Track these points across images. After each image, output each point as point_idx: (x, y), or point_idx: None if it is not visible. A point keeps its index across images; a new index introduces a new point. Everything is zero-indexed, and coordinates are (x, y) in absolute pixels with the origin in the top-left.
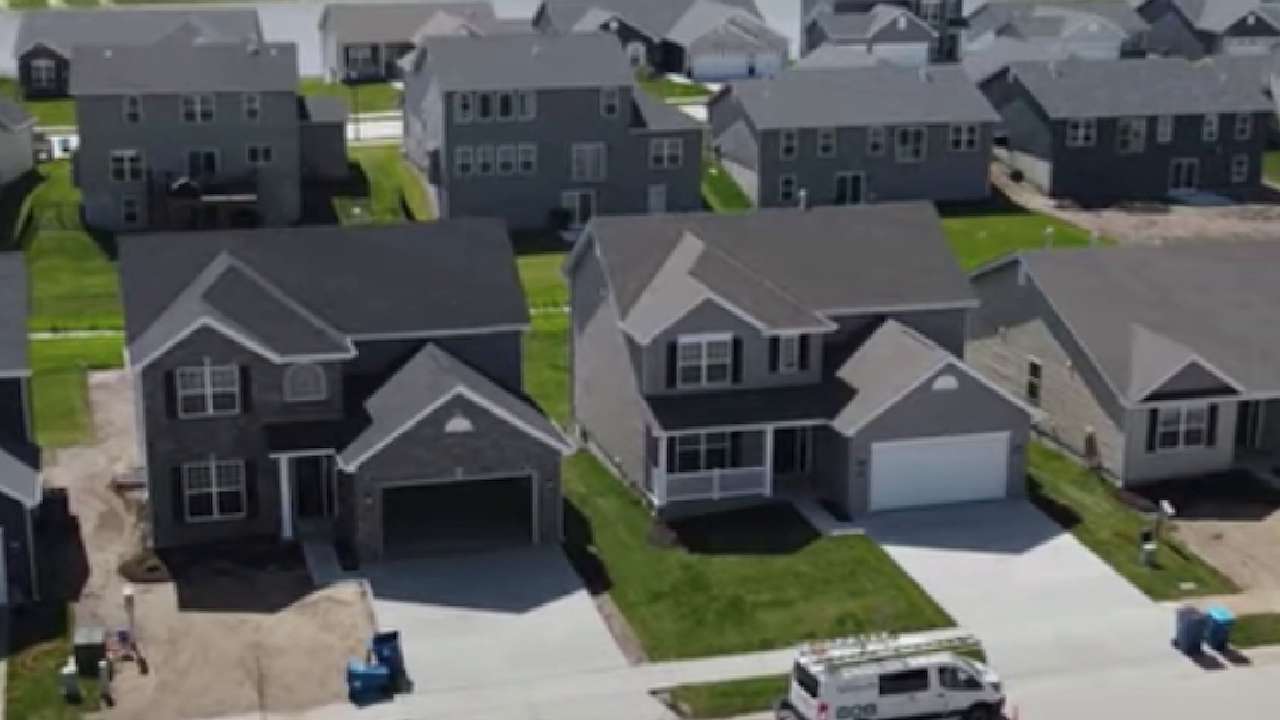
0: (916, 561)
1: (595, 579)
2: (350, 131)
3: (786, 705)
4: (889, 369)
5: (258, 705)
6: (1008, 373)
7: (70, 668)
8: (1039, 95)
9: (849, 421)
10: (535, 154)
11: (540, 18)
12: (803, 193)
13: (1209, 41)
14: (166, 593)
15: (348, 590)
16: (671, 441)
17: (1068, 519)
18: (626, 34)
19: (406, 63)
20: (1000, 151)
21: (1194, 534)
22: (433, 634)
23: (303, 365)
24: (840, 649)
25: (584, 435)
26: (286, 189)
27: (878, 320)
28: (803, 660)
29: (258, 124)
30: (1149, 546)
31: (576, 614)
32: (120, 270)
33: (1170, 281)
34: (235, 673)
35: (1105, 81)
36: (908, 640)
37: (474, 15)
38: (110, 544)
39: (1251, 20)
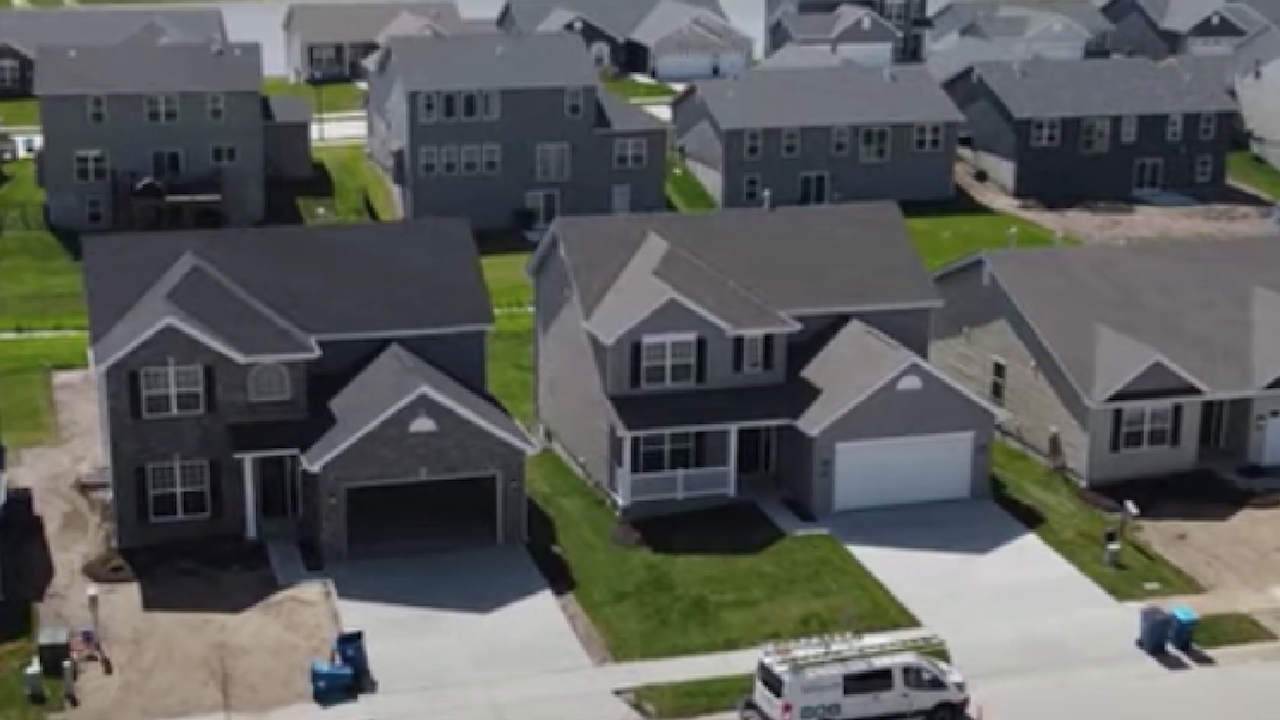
0: (881, 561)
1: (559, 579)
2: (314, 132)
3: (751, 705)
4: (853, 369)
5: (222, 705)
6: (972, 373)
7: (34, 667)
8: (1003, 95)
9: (813, 421)
10: (499, 154)
11: (504, 18)
12: (767, 193)
13: (1173, 41)
14: (131, 593)
15: (312, 590)
16: (635, 441)
17: (1032, 519)
18: (591, 34)
19: (371, 63)
20: (965, 151)
21: (1158, 534)
22: (397, 634)
23: (267, 365)
24: (804, 649)
25: (548, 435)
26: (251, 189)
27: (842, 320)
28: (767, 660)
29: (222, 124)
30: (1113, 546)
31: (541, 614)
32: (85, 270)
33: (1134, 281)
34: (199, 673)
35: (1069, 81)
36: (872, 640)
37: (438, 15)
38: (74, 544)
39: (1216, 20)
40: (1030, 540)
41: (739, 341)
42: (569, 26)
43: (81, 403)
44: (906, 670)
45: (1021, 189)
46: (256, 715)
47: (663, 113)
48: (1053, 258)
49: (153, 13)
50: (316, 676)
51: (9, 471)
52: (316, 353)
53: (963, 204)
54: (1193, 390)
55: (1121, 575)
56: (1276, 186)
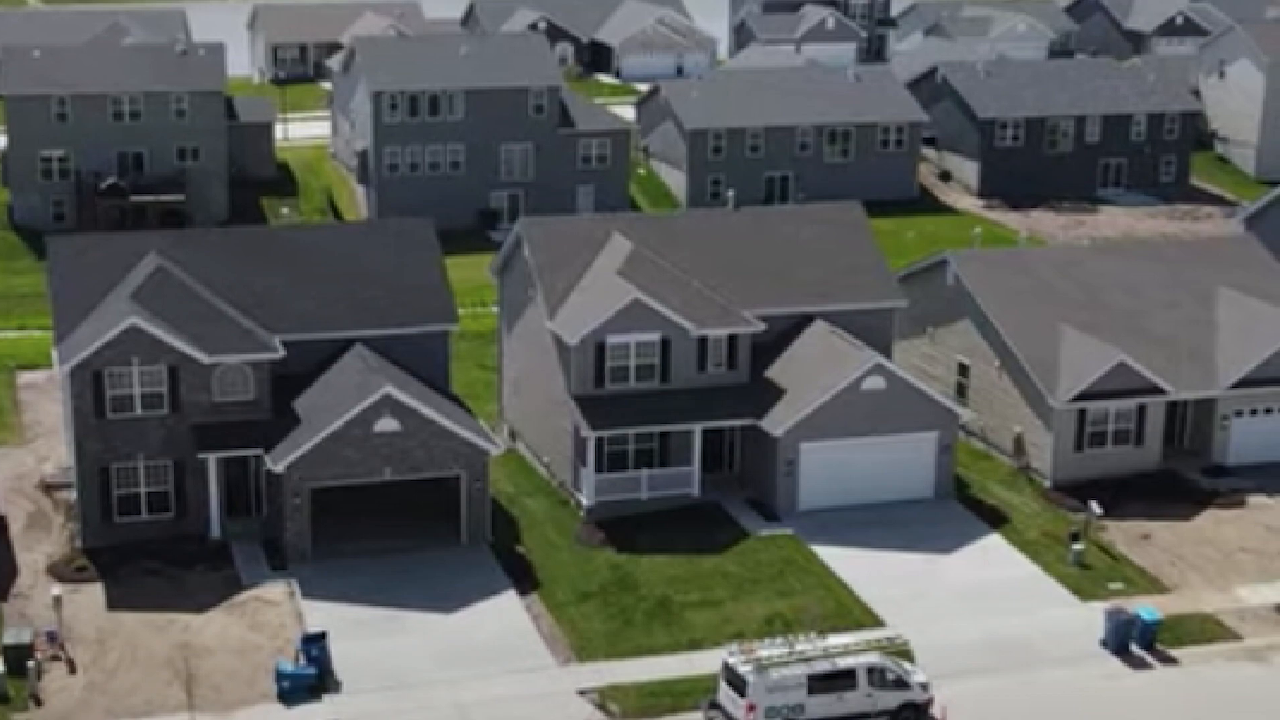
0: (845, 561)
1: (523, 579)
2: (278, 131)
3: (715, 705)
4: (817, 369)
5: (186, 705)
6: (936, 373)
7: None
8: (967, 95)
9: (777, 421)
10: (463, 154)
11: (468, 18)
12: (731, 193)
13: (1137, 41)
14: (95, 593)
15: (276, 590)
16: (600, 441)
17: (996, 519)
18: (555, 34)
19: (335, 63)
20: (929, 151)
21: (1122, 534)
22: (361, 634)
23: (231, 365)
24: (768, 649)
25: (512, 435)
26: (215, 189)
27: (806, 320)
28: (731, 660)
29: (186, 124)
30: (1077, 546)
31: (504, 614)
32: (48, 270)
33: (1098, 281)
34: (164, 673)
35: (1033, 81)
36: (836, 640)
37: (402, 15)
38: (38, 544)
39: (1180, 20)
40: (994, 540)
41: (703, 341)
42: (533, 26)
43: (46, 403)
44: (871, 670)
45: (986, 189)
46: (221, 715)
47: (627, 113)
48: (1017, 258)
49: (117, 13)
50: (281, 676)
51: None
52: (281, 353)
53: (927, 204)
54: (1157, 390)
55: (1086, 575)
56: (1240, 186)
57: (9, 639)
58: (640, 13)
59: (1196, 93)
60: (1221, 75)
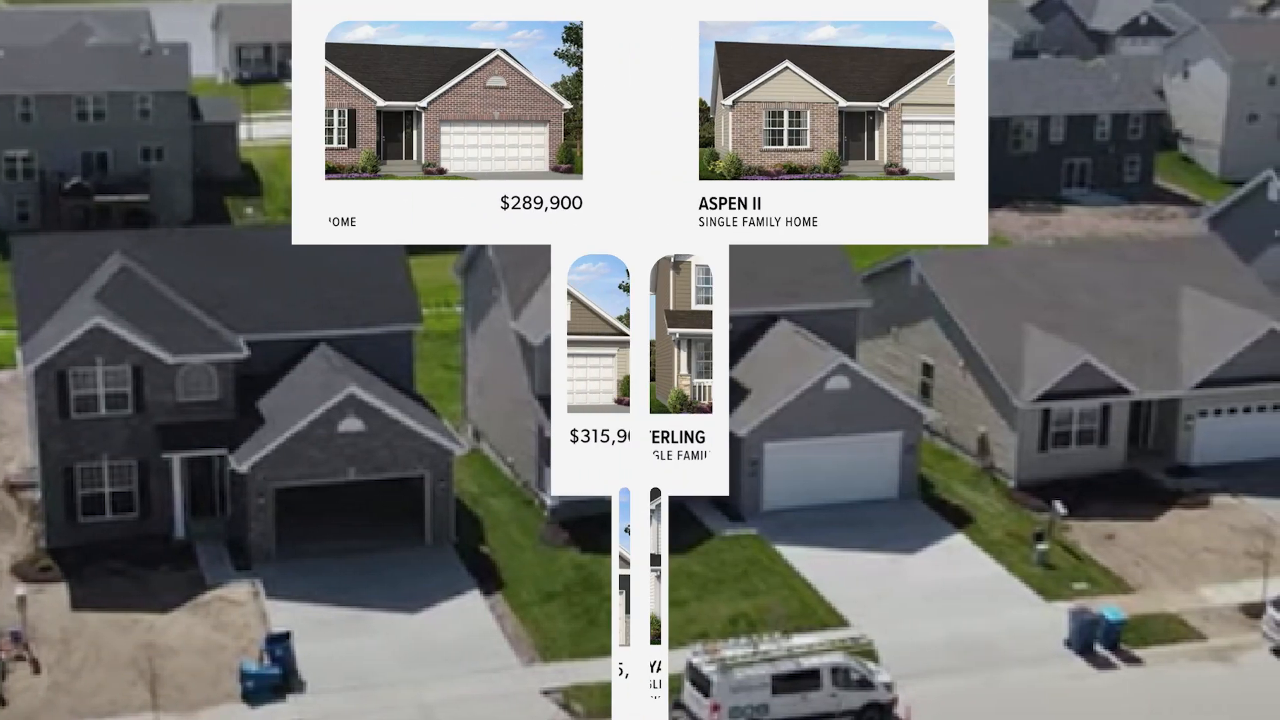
0: (809, 561)
1: (487, 579)
2: (243, 131)
3: (679, 705)
4: (781, 369)
5: (150, 705)
6: (900, 372)
7: None
8: None
9: (741, 421)
10: None
11: None
12: None
13: (1101, 41)
14: (59, 593)
15: (240, 590)
16: None
17: (960, 519)
18: None
19: None
20: None
21: (1086, 534)
22: (325, 634)
23: (195, 365)
24: (733, 649)
25: (476, 435)
26: (179, 189)
27: (770, 320)
28: (695, 660)
29: (150, 124)
30: (1041, 546)
31: (469, 614)
32: (12, 270)
33: (1063, 281)
34: (128, 673)
35: (997, 81)
36: (800, 640)
37: None
38: (2, 544)
39: (1144, 20)
40: (959, 540)
41: None
42: None
43: (10, 403)
44: (835, 670)
45: None
46: (185, 715)
47: None
48: (981, 258)
49: (81, 13)
50: (245, 676)
51: None
52: (245, 353)
53: None
54: (1121, 390)
55: (1050, 575)
56: (1205, 186)
57: None
58: None
59: (1161, 93)
60: (1186, 75)
